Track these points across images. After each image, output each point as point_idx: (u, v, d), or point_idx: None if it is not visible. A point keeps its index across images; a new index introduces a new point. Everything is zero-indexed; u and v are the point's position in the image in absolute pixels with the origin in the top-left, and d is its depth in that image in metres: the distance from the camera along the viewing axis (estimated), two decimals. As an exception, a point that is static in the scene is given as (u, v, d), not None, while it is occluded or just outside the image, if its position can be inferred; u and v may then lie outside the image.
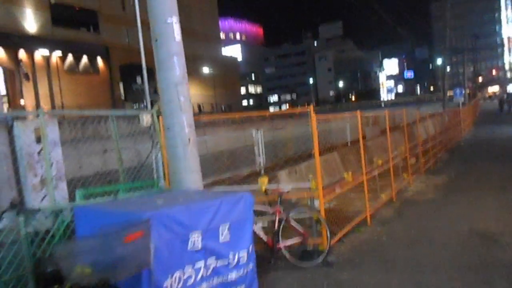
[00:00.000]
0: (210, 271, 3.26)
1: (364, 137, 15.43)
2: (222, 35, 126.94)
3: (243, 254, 3.54)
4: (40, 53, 35.67)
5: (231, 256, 3.42)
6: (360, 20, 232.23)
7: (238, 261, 3.49)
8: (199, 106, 50.25)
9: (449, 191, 9.10)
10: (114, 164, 6.05)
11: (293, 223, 4.87)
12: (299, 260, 4.79)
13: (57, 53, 36.84)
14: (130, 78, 43.65)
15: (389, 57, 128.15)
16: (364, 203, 6.94)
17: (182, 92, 4.28)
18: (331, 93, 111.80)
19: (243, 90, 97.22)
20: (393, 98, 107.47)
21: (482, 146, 17.85)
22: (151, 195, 4.28)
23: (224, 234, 3.38)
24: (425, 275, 4.46)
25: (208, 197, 3.64)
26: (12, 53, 33.48)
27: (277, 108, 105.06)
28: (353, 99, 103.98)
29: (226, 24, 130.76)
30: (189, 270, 3.07)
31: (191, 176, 4.28)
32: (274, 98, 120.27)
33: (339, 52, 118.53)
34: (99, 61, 42.62)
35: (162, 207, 3.07)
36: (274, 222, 4.78)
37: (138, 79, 45.06)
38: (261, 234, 4.64)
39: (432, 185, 9.79)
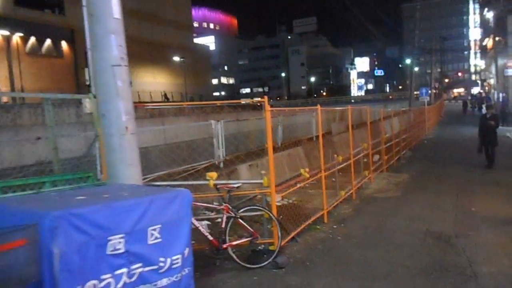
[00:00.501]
0: (135, 277, 2.88)
1: (329, 132, 15.36)
2: (196, 25, 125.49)
3: (177, 258, 3.17)
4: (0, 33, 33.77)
5: (162, 261, 3.05)
6: (334, 17, 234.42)
7: (171, 265, 3.12)
8: (165, 95, 49.08)
9: (409, 189, 9.05)
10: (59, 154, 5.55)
11: (243, 222, 4.53)
12: (247, 261, 4.48)
13: (19, 35, 34.97)
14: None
15: (361, 55, 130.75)
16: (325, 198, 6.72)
17: (120, 75, 3.84)
18: (304, 87, 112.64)
19: (215, 81, 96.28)
20: (363, 94, 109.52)
21: (445, 145, 18.17)
22: (75, 190, 3.82)
23: (154, 236, 3.00)
24: (375, 281, 4.25)
25: (138, 194, 3.23)
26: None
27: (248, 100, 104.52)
28: (325, 94, 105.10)
29: (200, 13, 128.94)
30: (107, 278, 2.68)
31: (128, 170, 3.86)
32: (246, 90, 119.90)
33: (312, 47, 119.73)
34: (64, 44, 40.83)
35: (75, 205, 2.64)
36: (222, 220, 4.43)
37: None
38: (207, 233, 4.28)
39: (393, 183, 9.73)
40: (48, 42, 38.34)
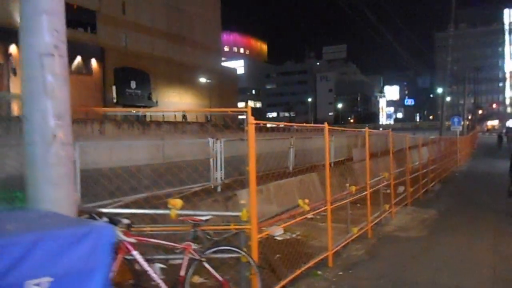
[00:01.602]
0: None
1: (350, 159, 14.13)
2: (226, 49, 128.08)
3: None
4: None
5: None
6: (364, 45, 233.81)
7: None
8: (183, 116, 49.13)
9: (436, 229, 7.71)
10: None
11: (209, 266, 3.46)
12: (213, 321, 3.39)
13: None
14: (124, 82, 42.87)
15: (391, 83, 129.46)
16: (332, 236, 5.57)
17: (51, 68, 2.96)
18: (331, 114, 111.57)
19: (242, 104, 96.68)
20: (391, 123, 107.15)
21: (478, 179, 16.52)
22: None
23: (37, 295, 1.99)
24: None
25: (22, 228, 2.26)
26: (2, 47, 32.40)
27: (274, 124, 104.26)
28: (352, 121, 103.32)
29: (231, 38, 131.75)
30: None
31: (53, 191, 2.92)
32: (273, 114, 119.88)
33: (341, 74, 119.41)
34: (93, 62, 41.69)
35: None
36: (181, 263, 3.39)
37: (132, 83, 44.38)
38: (159, 280, 3.24)
39: (418, 220, 8.42)
40: (78, 59, 39.12)
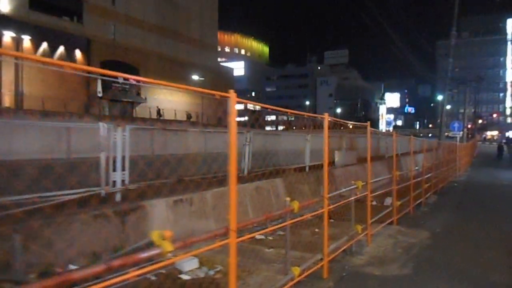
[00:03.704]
0: None
1: (330, 163, 12.08)
2: (227, 49, 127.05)
3: None
4: (10, 35, 32.74)
5: None
6: (366, 52, 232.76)
7: None
8: (188, 115, 47.59)
9: (426, 263, 5.54)
10: None
11: None
12: None
13: (29, 38, 33.98)
14: (110, 75, 41.04)
15: (392, 90, 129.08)
16: (270, 273, 3.50)
17: None
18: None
19: (241, 106, 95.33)
20: (391, 130, 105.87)
21: (480, 190, 14.49)
22: None
23: None
24: None
25: None
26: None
27: (273, 127, 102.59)
28: (351, 127, 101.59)
29: (233, 39, 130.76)
30: None
31: None
32: (272, 117, 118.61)
33: (342, 79, 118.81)
34: (78, 53, 39.77)
35: None
36: None
37: (120, 78, 42.57)
38: None
39: (403, 246, 6.27)
40: (61, 49, 37.18)
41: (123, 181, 5.21)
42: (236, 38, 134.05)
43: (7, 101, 32.73)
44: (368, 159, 6.34)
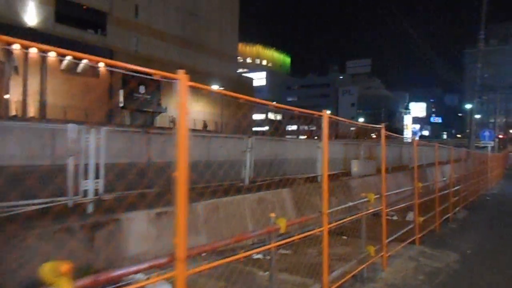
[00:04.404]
0: None
1: (347, 174, 11.30)
2: (249, 60, 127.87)
3: None
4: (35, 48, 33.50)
5: None
6: (389, 61, 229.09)
7: None
8: (204, 124, 47.63)
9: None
10: None
11: None
12: None
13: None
14: (132, 86, 41.46)
15: (417, 100, 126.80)
16: None
17: None
18: (353, 128, 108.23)
19: (262, 116, 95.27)
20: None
21: (515, 205, 13.31)
22: None
23: None
24: None
25: None
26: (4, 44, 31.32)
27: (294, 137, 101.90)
28: (375, 137, 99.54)
29: (254, 50, 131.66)
30: None
31: None
32: (293, 127, 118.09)
33: (364, 89, 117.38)
34: (101, 65, 40.38)
35: None
36: None
37: (141, 88, 42.93)
38: None
39: (426, 272, 5.38)
40: (85, 61, 37.87)
41: (96, 190, 4.68)
42: (258, 49, 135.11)
43: (32, 111, 33.44)
44: (382, 167, 5.59)
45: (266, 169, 7.58)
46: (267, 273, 4.64)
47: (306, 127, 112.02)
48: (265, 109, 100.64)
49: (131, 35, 43.22)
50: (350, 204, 4.58)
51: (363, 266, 4.61)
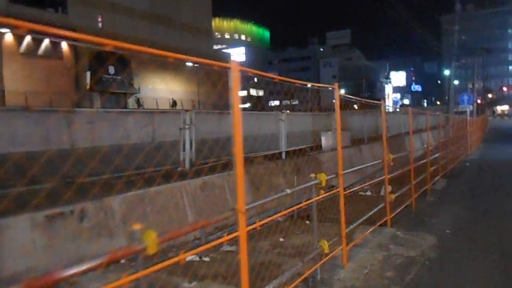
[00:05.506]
0: None
1: (317, 147, 10.31)
2: (227, 35, 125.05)
3: None
4: (-12, 31, 31.14)
5: None
6: (369, 31, 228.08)
7: None
8: (173, 101, 45.83)
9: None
10: None
11: None
12: None
13: (12, 33, 32.47)
14: (100, 67, 39.33)
15: (397, 69, 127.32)
16: None
17: None
18: (334, 100, 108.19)
19: (244, 93, 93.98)
20: (398, 109, 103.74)
21: (496, 170, 12.59)
22: None
23: None
24: None
25: None
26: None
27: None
28: (357, 108, 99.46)
29: (232, 25, 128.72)
30: None
31: None
32: (275, 102, 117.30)
33: (345, 60, 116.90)
34: (64, 45, 38.23)
35: None
36: None
37: (111, 69, 40.78)
38: None
39: (396, 264, 4.32)
40: (46, 42, 35.65)
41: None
42: (236, 24, 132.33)
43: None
44: (338, 141, 4.54)
45: (218, 149, 6.44)
46: (193, 284, 3.58)
47: (287, 102, 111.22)
48: (246, 86, 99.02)
49: (94, 12, 40.98)
50: (278, 195, 3.41)
51: (316, 266, 3.55)
